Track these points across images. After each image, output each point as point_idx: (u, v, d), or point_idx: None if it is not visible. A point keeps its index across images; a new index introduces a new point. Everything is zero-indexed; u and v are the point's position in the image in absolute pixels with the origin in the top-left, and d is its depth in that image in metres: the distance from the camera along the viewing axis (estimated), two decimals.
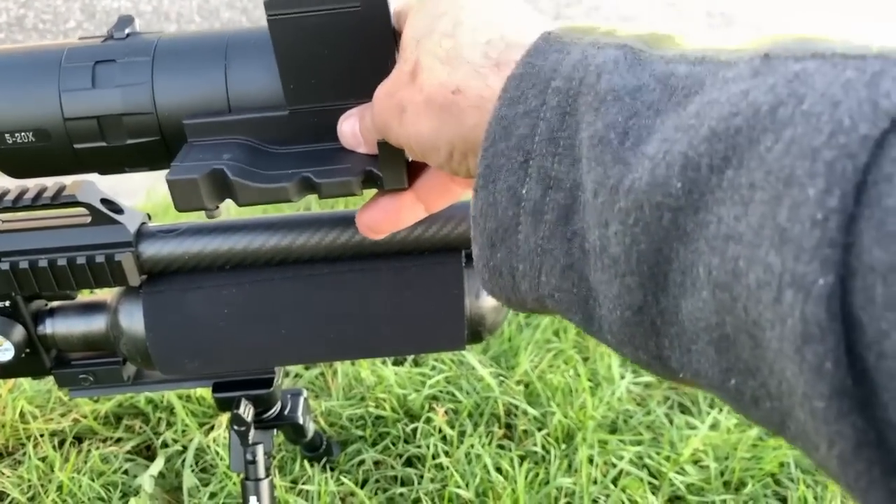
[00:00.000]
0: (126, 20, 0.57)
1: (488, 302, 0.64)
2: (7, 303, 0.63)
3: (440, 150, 0.36)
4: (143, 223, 0.64)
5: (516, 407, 0.99)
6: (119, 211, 0.63)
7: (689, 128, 0.24)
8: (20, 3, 2.48)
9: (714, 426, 0.99)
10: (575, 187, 0.29)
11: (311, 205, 1.46)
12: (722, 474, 0.94)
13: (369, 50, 0.47)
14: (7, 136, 0.54)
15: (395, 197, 0.46)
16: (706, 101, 0.24)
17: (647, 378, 1.06)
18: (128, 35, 0.56)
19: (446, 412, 0.97)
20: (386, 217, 0.47)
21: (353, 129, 0.48)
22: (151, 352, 0.64)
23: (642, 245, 0.25)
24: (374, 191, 0.49)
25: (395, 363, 1.05)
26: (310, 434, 0.86)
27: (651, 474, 0.94)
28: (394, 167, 0.45)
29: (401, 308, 0.63)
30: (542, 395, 1.00)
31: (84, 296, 0.67)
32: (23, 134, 0.54)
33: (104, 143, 0.53)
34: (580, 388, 0.99)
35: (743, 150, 0.22)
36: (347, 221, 0.61)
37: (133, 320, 0.63)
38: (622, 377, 1.04)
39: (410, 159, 0.45)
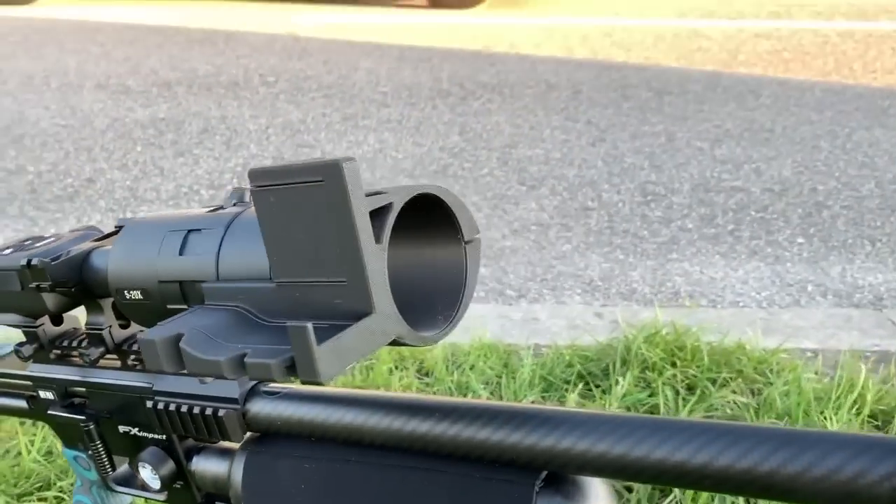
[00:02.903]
0: (237, 192, 0.61)
1: None
2: (164, 436, 0.69)
3: None
4: (262, 381, 0.65)
5: None
6: None
7: None
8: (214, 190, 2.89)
9: None
10: None
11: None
12: None
13: (337, 226, 0.43)
14: (126, 292, 0.60)
15: None
16: None
17: None
18: (234, 205, 0.59)
19: None
20: None
21: None
22: None
23: None
24: None
25: None
26: None
27: None
28: (305, 354, 0.40)
29: None
30: None
31: None
32: (134, 292, 0.60)
33: (186, 306, 0.56)
34: None
35: None
36: (419, 409, 0.54)
37: (237, 474, 0.64)
38: None
39: None
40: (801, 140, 3.01)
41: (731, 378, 1.30)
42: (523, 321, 1.62)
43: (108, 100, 3.72)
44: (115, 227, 0.72)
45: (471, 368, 1.37)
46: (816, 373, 1.36)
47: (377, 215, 0.47)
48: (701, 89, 3.79)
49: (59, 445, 1.17)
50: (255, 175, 0.47)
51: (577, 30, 5.56)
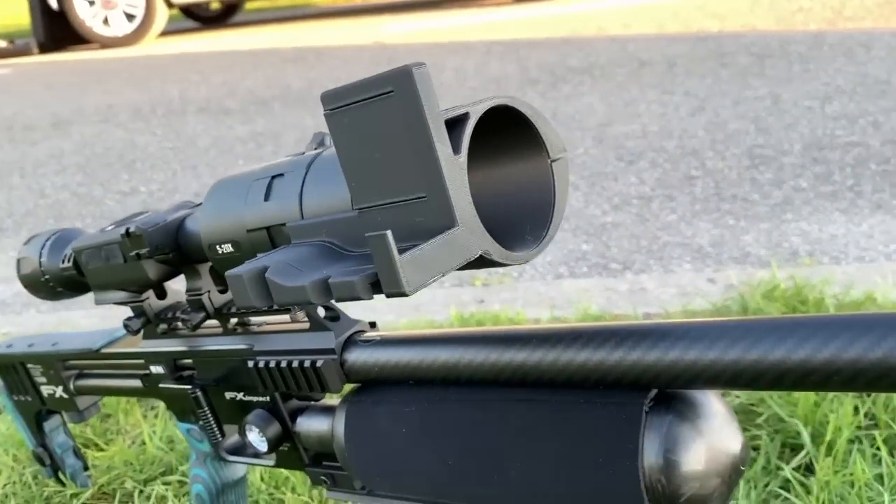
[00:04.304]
0: (317, 136, 0.61)
1: (686, 467, 0.46)
2: (268, 398, 0.70)
3: None
4: (360, 331, 0.65)
5: None
6: (335, 318, 0.65)
7: None
8: None
9: None
10: None
11: None
12: None
13: (412, 138, 0.42)
14: (218, 247, 0.61)
15: None
16: None
17: None
18: (315, 149, 0.59)
19: None
20: None
21: None
22: (350, 463, 0.63)
23: None
24: None
25: None
26: None
27: None
28: (387, 263, 0.39)
29: (566, 456, 0.50)
30: None
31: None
32: (225, 245, 0.60)
33: None
34: None
35: None
36: (515, 340, 0.52)
37: (340, 427, 0.64)
38: None
39: None
40: None
41: None
42: (630, 292, 1.56)
43: (209, 121, 3.87)
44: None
45: None
46: None
47: (453, 127, 0.45)
48: (805, 49, 3.58)
49: (179, 434, 1.20)
50: (326, 98, 0.46)
51: (668, 6, 5.39)
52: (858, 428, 0.94)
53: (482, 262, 0.46)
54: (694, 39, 4.18)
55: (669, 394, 0.46)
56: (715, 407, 0.46)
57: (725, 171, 2.29)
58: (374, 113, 0.44)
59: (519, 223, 0.51)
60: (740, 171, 2.27)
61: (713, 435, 0.46)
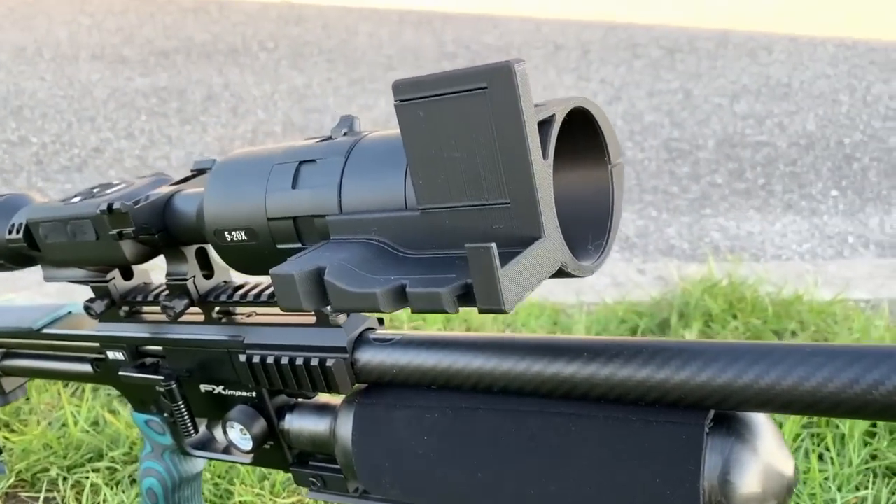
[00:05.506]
0: (346, 120, 0.56)
1: (745, 489, 0.46)
2: (254, 394, 0.65)
3: None
4: (369, 328, 0.61)
5: None
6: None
7: None
8: None
9: None
10: None
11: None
12: None
13: (501, 139, 0.38)
14: (226, 233, 0.55)
15: None
16: None
17: None
18: (344, 134, 0.54)
19: None
20: None
21: None
22: (356, 467, 0.59)
23: None
24: None
25: None
26: None
27: None
28: (487, 278, 0.35)
29: (615, 474, 0.48)
30: None
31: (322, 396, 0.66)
32: (237, 233, 0.55)
33: (300, 245, 0.52)
34: None
35: None
36: (563, 350, 0.50)
37: (345, 429, 0.60)
38: None
39: None
40: (821, 94, 2.96)
41: (797, 328, 1.26)
42: (566, 280, 1.56)
43: (105, 70, 3.62)
44: (192, 170, 0.67)
45: (522, 326, 1.33)
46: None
47: (540, 129, 0.42)
48: (712, 46, 3.73)
49: (107, 416, 1.12)
50: (401, 88, 0.42)
51: None
52: (803, 426, 0.99)
53: (558, 273, 0.43)
54: (606, 27, 4.26)
55: (727, 414, 0.46)
56: (769, 428, 0.46)
57: (645, 162, 2.35)
58: (458, 108, 0.40)
59: (580, 231, 0.48)
60: (659, 163, 2.34)
61: (770, 457, 0.45)
